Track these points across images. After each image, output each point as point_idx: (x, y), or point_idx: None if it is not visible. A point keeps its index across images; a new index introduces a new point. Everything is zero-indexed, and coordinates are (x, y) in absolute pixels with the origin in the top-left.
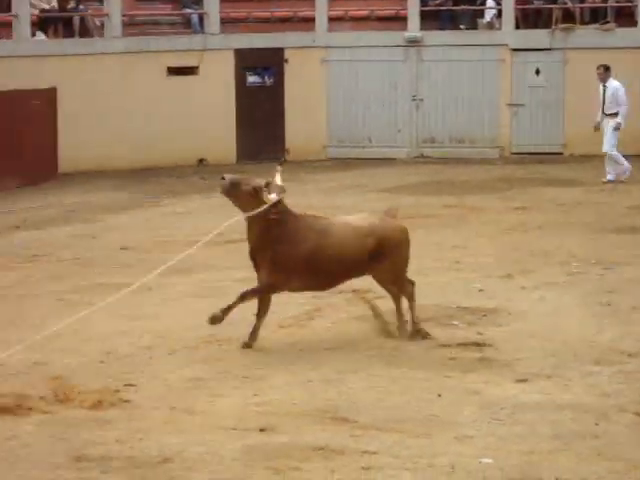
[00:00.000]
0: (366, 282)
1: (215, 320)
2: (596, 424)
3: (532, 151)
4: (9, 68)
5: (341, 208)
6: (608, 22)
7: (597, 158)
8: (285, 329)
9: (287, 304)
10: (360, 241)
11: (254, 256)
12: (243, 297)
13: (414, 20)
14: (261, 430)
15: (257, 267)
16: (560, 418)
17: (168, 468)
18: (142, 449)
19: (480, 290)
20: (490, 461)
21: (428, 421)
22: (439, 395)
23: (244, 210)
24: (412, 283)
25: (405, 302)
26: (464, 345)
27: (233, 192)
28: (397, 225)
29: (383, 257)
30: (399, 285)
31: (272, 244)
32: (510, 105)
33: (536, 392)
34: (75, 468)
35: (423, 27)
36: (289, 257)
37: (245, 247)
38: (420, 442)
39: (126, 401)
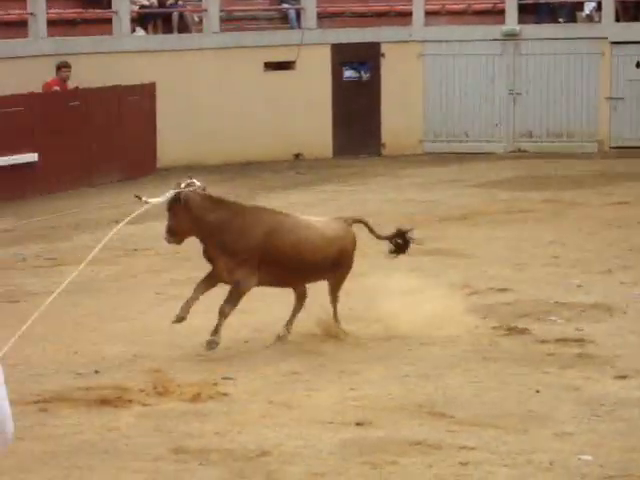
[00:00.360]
0: (460, 276)
1: (210, 345)
2: None
3: (631, 145)
4: (109, 64)
5: (436, 202)
6: None
7: None
8: (381, 323)
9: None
10: (323, 246)
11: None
12: (222, 312)
13: (512, 14)
14: (358, 424)
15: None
16: None
17: (266, 461)
18: (240, 442)
19: (578, 286)
20: (589, 458)
21: (526, 417)
22: (537, 391)
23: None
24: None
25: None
26: (563, 341)
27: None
28: (353, 234)
29: (342, 265)
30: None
31: (218, 236)
32: (609, 99)
33: (636, 388)
34: (174, 460)
35: (521, 20)
36: (240, 248)
37: None
38: (518, 438)
39: (224, 394)
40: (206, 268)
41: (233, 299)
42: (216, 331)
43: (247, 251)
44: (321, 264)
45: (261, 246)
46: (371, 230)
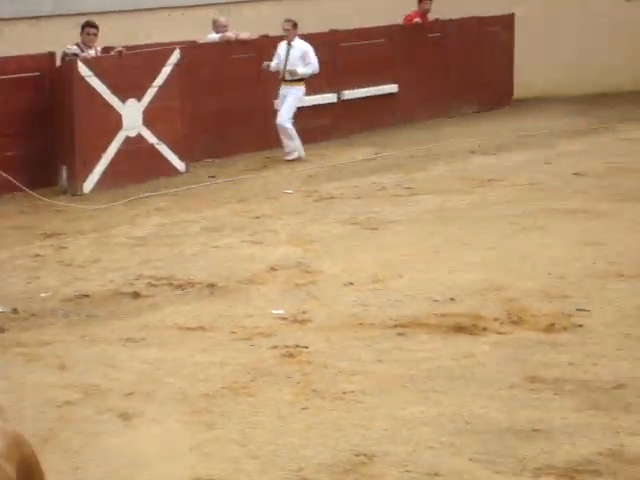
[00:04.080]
0: None
1: None
2: None
3: None
4: None
5: None
6: None
7: None
8: None
9: None
10: None
11: None
12: None
13: None
14: None
15: None
16: None
17: (622, 394)
18: (595, 374)
19: None
20: None
21: None
22: None
23: None
24: None
25: None
26: None
27: None
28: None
29: None
30: None
31: None
32: None
33: None
34: (529, 389)
35: None
36: None
37: None
38: None
39: (579, 325)
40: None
41: None
42: None
43: None
44: None
45: None
46: None
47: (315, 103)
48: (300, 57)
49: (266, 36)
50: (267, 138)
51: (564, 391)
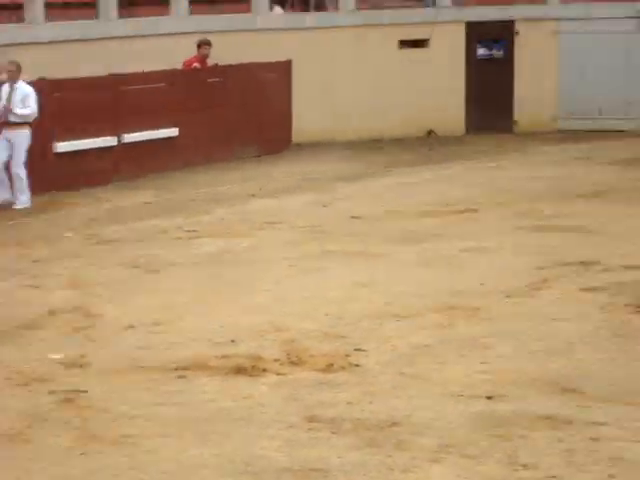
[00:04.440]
0: (593, 253)
1: None
2: None
3: None
4: (247, 41)
5: (567, 179)
6: None
7: None
8: (512, 299)
9: (512, 274)
10: None
11: None
12: None
13: None
14: (488, 398)
15: None
16: None
17: (396, 431)
18: (371, 412)
19: None
20: None
21: None
22: None
23: None
24: None
25: None
26: None
27: None
28: None
29: None
30: None
31: None
32: None
33: None
34: (307, 428)
35: None
36: None
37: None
38: None
39: (357, 365)
40: (340, 241)
41: None
42: None
43: None
44: None
45: None
46: None
47: (95, 146)
48: (21, 100)
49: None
50: (47, 180)
51: (342, 430)
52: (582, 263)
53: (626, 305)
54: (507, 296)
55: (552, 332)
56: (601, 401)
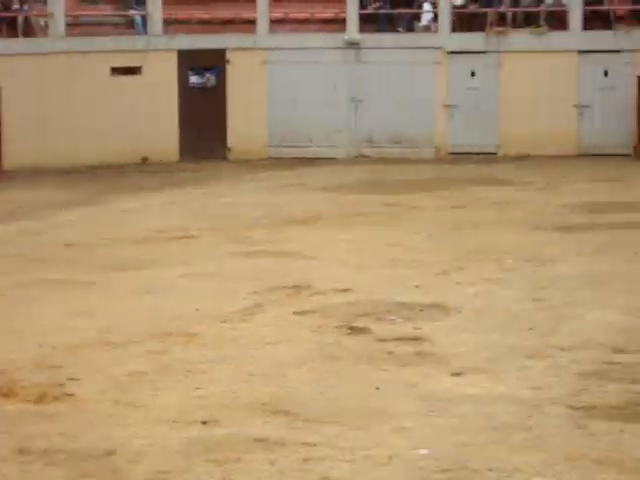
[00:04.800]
0: (305, 277)
1: None
2: (529, 416)
3: (467, 151)
4: None
5: (280, 206)
6: (540, 26)
7: (531, 158)
8: (227, 324)
9: (228, 299)
10: None
11: None
12: None
13: (353, 23)
14: (203, 423)
15: None
16: (494, 410)
17: (112, 460)
18: (86, 442)
19: (417, 286)
20: (426, 452)
21: (366, 413)
22: (377, 388)
23: None
24: None
25: None
26: (401, 339)
27: None
28: None
29: None
30: None
31: None
32: (446, 106)
33: (471, 385)
34: (18, 461)
35: (362, 30)
36: None
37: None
38: (359, 434)
39: (70, 395)
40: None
41: None
42: None
43: None
44: None
45: None
46: None
47: None
48: None
49: None
50: None
51: (55, 461)
52: (295, 287)
53: (336, 327)
54: (222, 321)
55: (266, 356)
56: (313, 422)
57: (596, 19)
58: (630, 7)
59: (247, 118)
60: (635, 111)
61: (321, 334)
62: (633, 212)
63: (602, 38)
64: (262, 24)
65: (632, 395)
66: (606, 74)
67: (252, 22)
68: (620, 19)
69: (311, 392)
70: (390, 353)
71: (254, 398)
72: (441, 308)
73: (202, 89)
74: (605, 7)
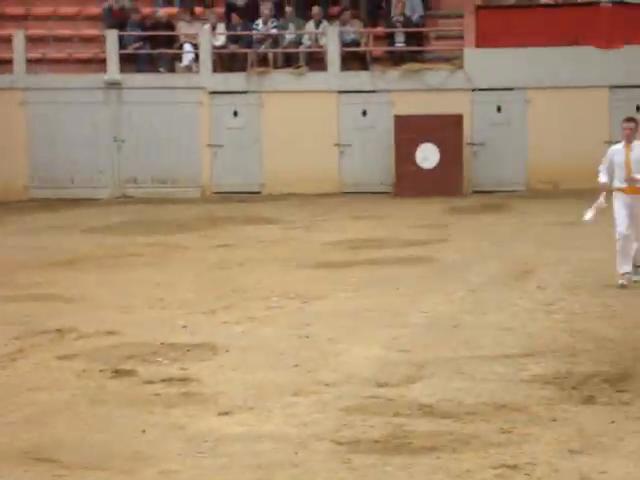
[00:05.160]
0: (69, 321)
1: None
2: (295, 453)
3: (232, 190)
4: None
5: (45, 248)
6: (300, 66)
7: (295, 196)
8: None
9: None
10: None
11: None
12: None
13: (113, 63)
14: None
15: None
16: (261, 448)
17: None
18: None
19: (184, 326)
20: None
21: (133, 458)
22: (143, 431)
23: None
24: None
25: None
26: (168, 381)
27: None
28: None
29: None
30: None
31: None
32: (210, 146)
33: (238, 424)
34: None
35: (123, 70)
36: None
37: None
38: (125, 479)
39: None
40: None
41: None
42: None
43: None
44: None
45: None
46: None
47: None
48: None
49: None
50: None
51: None
52: (58, 331)
53: (101, 371)
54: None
55: (28, 402)
56: (77, 469)
57: (354, 60)
58: (385, 48)
59: (5, 159)
60: (393, 149)
61: (86, 378)
62: (391, 248)
63: (360, 79)
64: (19, 64)
65: (394, 428)
66: (365, 114)
67: (9, 62)
68: (376, 60)
69: (75, 438)
70: (157, 395)
71: (14, 446)
72: (208, 348)
73: None
74: (362, 48)
